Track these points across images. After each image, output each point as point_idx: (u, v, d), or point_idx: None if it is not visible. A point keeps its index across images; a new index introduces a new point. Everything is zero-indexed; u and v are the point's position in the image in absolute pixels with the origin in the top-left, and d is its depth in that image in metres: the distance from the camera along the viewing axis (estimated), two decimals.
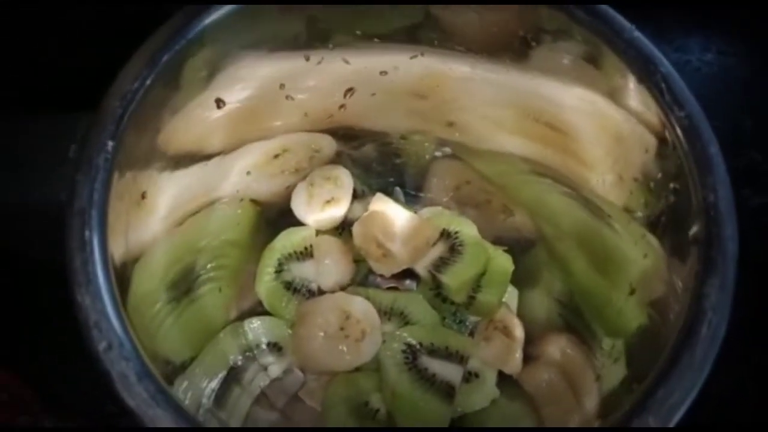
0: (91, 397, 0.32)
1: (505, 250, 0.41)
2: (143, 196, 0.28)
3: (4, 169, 0.26)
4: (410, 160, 0.44)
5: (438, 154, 0.43)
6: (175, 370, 0.34)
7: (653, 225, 0.27)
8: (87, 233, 0.23)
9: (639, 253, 0.28)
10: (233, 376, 0.37)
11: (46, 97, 0.32)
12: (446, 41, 0.32)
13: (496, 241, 0.42)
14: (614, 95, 0.29)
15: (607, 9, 0.28)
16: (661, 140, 0.27)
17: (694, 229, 0.24)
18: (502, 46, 0.30)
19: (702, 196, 0.24)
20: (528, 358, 0.38)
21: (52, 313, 0.26)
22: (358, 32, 0.31)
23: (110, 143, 0.24)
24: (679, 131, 0.26)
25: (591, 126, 0.31)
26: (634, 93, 0.27)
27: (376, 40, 0.32)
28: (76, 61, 0.33)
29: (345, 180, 0.41)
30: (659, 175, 0.27)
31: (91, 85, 0.25)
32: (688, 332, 0.22)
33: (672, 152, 0.26)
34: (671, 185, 0.26)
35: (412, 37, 0.30)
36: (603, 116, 0.30)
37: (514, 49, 0.31)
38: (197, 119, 0.31)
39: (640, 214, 0.28)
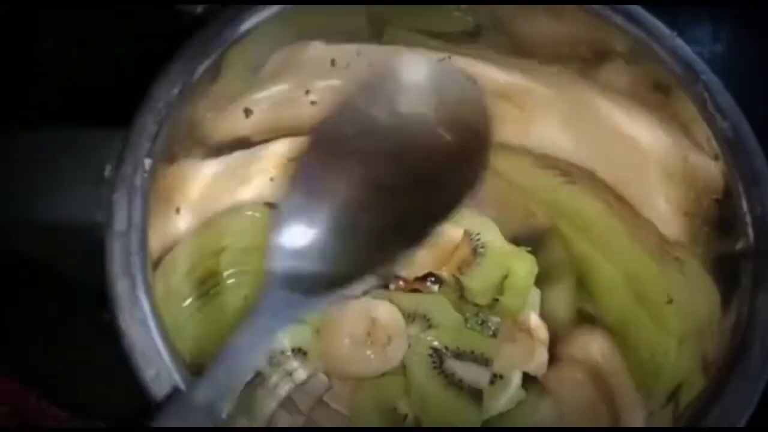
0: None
1: (528, 251, 0.41)
2: (177, 210, 0.28)
3: (37, 186, 0.25)
4: None
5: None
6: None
7: (695, 235, 0.27)
8: (129, 258, 0.22)
9: (675, 265, 0.28)
10: (258, 380, 0.37)
11: (80, 112, 0.31)
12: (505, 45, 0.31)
13: (515, 239, 0.42)
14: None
15: (646, 14, 0.28)
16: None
17: (741, 244, 0.24)
18: (554, 53, 0.30)
19: (748, 209, 0.24)
20: (554, 359, 0.38)
21: (90, 333, 0.26)
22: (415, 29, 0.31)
23: (147, 161, 0.24)
24: (723, 142, 0.25)
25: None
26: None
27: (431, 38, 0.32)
28: (109, 74, 0.32)
29: None
30: (702, 185, 0.27)
31: (125, 98, 0.24)
32: (738, 351, 0.22)
33: (715, 162, 0.26)
34: (714, 196, 0.26)
35: (472, 38, 0.30)
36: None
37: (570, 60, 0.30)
38: (226, 127, 0.31)
39: (679, 223, 0.28)
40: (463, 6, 0.29)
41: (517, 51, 0.31)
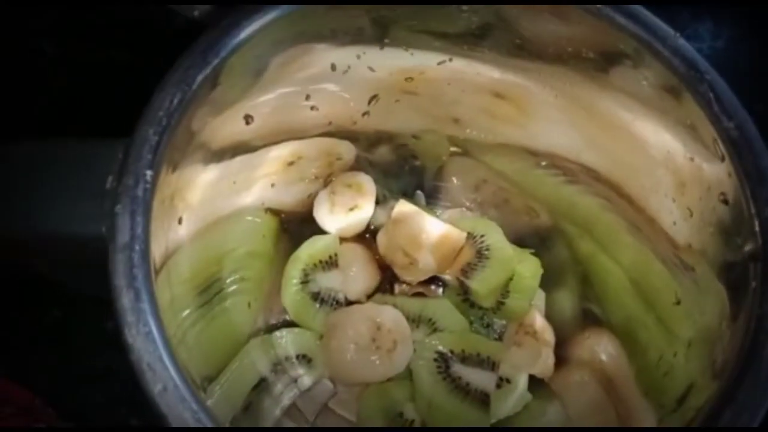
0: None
1: (532, 252, 0.40)
2: (180, 221, 0.27)
3: (38, 198, 0.25)
4: (427, 162, 0.43)
5: (453, 149, 0.42)
6: (200, 384, 0.33)
7: (702, 236, 0.27)
8: (132, 270, 0.22)
9: (682, 267, 0.28)
10: (263, 387, 0.37)
11: (78, 123, 0.30)
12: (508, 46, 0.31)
13: (519, 241, 0.41)
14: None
15: (648, 15, 0.27)
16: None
17: (749, 246, 0.24)
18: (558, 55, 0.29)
19: (756, 211, 0.24)
20: (561, 361, 0.38)
21: (92, 341, 0.26)
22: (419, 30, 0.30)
23: (148, 173, 0.23)
24: (728, 142, 0.25)
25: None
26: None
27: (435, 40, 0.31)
28: (108, 83, 0.31)
29: (367, 186, 0.40)
30: (708, 185, 0.27)
31: (125, 108, 0.24)
32: (749, 354, 0.22)
33: (721, 162, 0.26)
34: (721, 197, 0.26)
35: (476, 39, 0.29)
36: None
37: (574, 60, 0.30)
38: (226, 133, 0.30)
39: (686, 224, 0.28)
40: (466, 7, 0.29)
41: (521, 52, 0.31)
